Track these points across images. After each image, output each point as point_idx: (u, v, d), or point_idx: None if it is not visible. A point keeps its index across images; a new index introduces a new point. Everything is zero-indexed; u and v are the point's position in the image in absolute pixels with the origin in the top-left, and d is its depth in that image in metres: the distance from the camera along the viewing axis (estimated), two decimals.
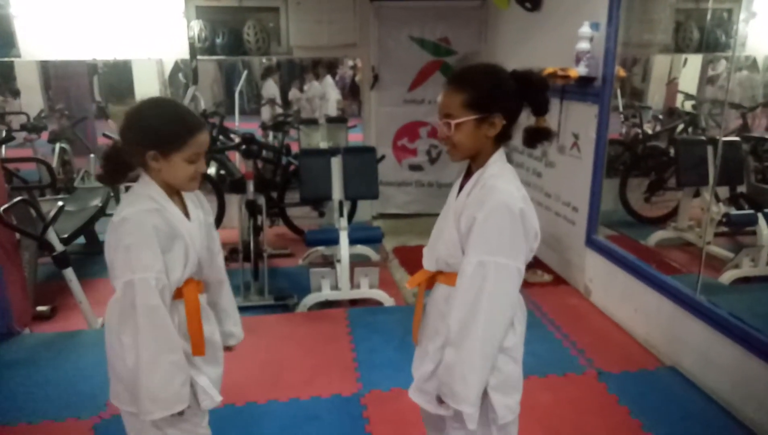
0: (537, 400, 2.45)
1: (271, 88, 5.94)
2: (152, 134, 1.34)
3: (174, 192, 1.43)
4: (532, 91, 1.36)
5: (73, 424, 2.33)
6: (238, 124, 5.05)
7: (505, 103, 1.33)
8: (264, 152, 4.35)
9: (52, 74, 5.71)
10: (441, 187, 4.98)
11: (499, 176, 1.35)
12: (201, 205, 1.53)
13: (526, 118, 1.41)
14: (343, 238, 3.33)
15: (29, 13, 4.29)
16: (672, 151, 3.78)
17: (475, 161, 1.40)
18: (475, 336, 1.30)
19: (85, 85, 5.79)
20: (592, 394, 2.51)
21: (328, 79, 6.40)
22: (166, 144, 1.34)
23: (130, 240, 1.32)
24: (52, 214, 3.12)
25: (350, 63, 7.48)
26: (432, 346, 1.46)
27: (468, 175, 1.43)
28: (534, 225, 1.35)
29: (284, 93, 6.70)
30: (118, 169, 1.40)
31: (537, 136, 1.40)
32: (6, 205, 3.00)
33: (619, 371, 2.67)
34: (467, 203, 1.36)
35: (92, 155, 5.14)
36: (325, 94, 6.28)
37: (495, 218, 1.29)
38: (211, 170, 4.72)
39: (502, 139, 1.38)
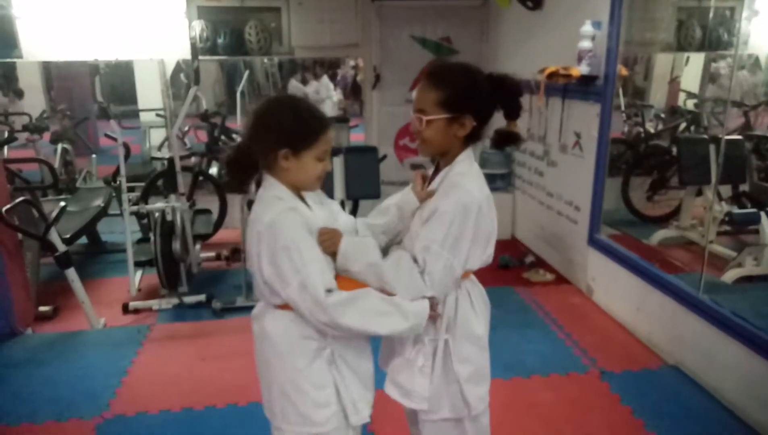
0: (539, 400, 2.45)
1: (294, 89, 5.98)
2: (285, 132, 1.29)
3: (297, 193, 1.37)
4: (505, 95, 1.40)
5: (76, 424, 2.33)
6: (239, 124, 5.06)
7: (477, 106, 1.37)
8: None
9: (54, 75, 5.73)
10: None
11: (465, 175, 1.38)
12: (322, 203, 1.46)
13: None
14: None
15: (31, 14, 4.29)
16: (674, 150, 3.77)
17: (443, 158, 1.44)
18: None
19: (87, 85, 5.81)
20: (595, 393, 2.50)
21: (325, 79, 6.41)
22: (299, 142, 1.29)
23: (284, 241, 1.25)
24: (54, 214, 3.13)
25: (351, 63, 7.50)
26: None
27: (436, 171, 1.46)
28: (487, 228, 1.38)
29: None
30: (246, 173, 1.34)
31: (506, 140, 1.44)
32: (8, 206, 3.01)
33: (622, 370, 2.66)
34: (433, 197, 1.39)
35: (94, 156, 5.15)
36: (319, 94, 6.28)
37: (454, 214, 1.32)
38: (213, 170, 4.73)
39: (472, 139, 1.41)
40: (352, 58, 5.44)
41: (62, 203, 3.19)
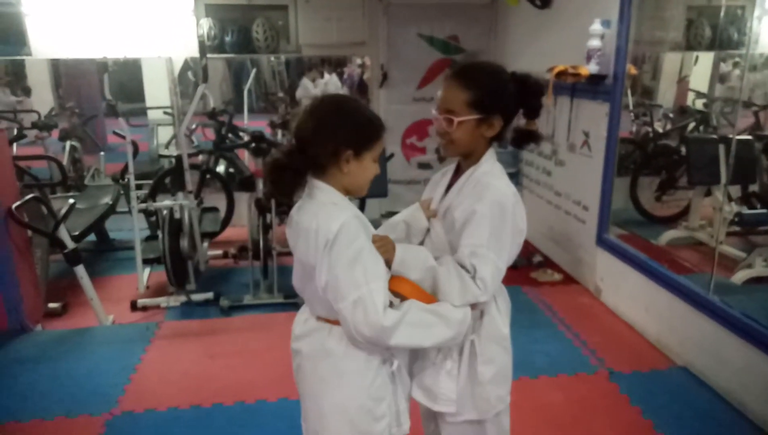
0: (548, 400, 2.45)
1: (305, 88, 5.99)
2: (351, 133, 1.24)
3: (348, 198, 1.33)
4: (528, 94, 1.39)
5: (86, 420, 2.35)
6: (247, 122, 5.07)
7: (505, 106, 1.36)
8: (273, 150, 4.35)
9: (62, 72, 5.74)
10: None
11: (492, 174, 1.38)
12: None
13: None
14: None
15: (40, 11, 4.31)
16: (683, 150, 3.74)
17: (467, 159, 1.42)
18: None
19: (95, 83, 5.81)
20: (604, 393, 2.50)
21: (333, 77, 6.40)
22: (363, 142, 1.25)
23: (352, 253, 1.21)
24: (63, 211, 3.14)
25: (358, 61, 7.48)
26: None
27: (457, 172, 1.45)
28: (521, 223, 1.39)
29: (291, 91, 6.71)
30: (297, 178, 1.26)
31: (527, 138, 1.43)
32: (18, 203, 3.03)
33: (631, 371, 2.65)
34: (459, 199, 1.38)
35: (102, 153, 5.17)
36: (327, 92, 6.29)
37: (492, 215, 1.31)
38: (221, 168, 4.73)
39: (496, 138, 1.40)
40: (359, 57, 5.41)
41: (71, 200, 3.20)
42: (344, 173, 1.26)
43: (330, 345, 1.31)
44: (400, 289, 1.30)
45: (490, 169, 1.39)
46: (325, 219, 1.22)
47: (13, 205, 3.00)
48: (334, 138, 1.23)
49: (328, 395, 1.33)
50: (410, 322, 1.23)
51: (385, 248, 1.30)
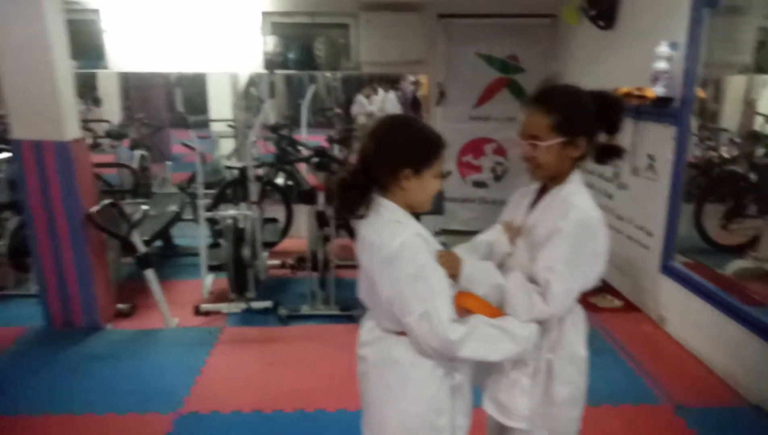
0: (610, 429, 2.39)
1: (360, 105, 6.15)
2: (408, 152, 1.30)
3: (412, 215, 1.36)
4: (609, 110, 1.40)
5: (155, 417, 2.45)
6: (305, 136, 5.21)
7: (588, 125, 1.39)
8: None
9: (131, 84, 6.06)
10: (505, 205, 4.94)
11: (578, 194, 1.39)
12: None
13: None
14: None
15: (118, 27, 4.59)
16: (752, 177, 3.60)
17: (553, 180, 1.44)
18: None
19: (162, 95, 6.13)
20: (669, 427, 2.41)
21: (390, 94, 6.51)
22: (421, 160, 1.30)
23: (414, 269, 1.26)
24: (136, 217, 3.31)
25: (411, 78, 7.58)
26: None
27: (542, 192, 1.47)
28: (602, 247, 1.39)
29: (346, 107, 6.86)
30: (362, 196, 1.33)
31: (610, 154, 1.45)
32: (96, 208, 3.21)
33: (698, 406, 2.55)
34: (544, 217, 1.40)
35: (168, 162, 5.41)
36: (383, 109, 6.39)
37: (575, 234, 1.32)
38: (279, 180, 4.87)
39: (581, 158, 1.42)
40: (417, 74, 5.50)
41: (145, 207, 3.38)
42: (405, 190, 1.32)
43: (396, 354, 1.35)
44: (466, 304, 1.33)
45: (576, 189, 1.40)
46: (388, 235, 1.28)
47: (93, 210, 3.18)
48: (393, 157, 1.30)
49: (392, 403, 1.37)
50: (477, 337, 1.27)
51: (451, 264, 1.34)
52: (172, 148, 5.79)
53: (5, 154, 4.18)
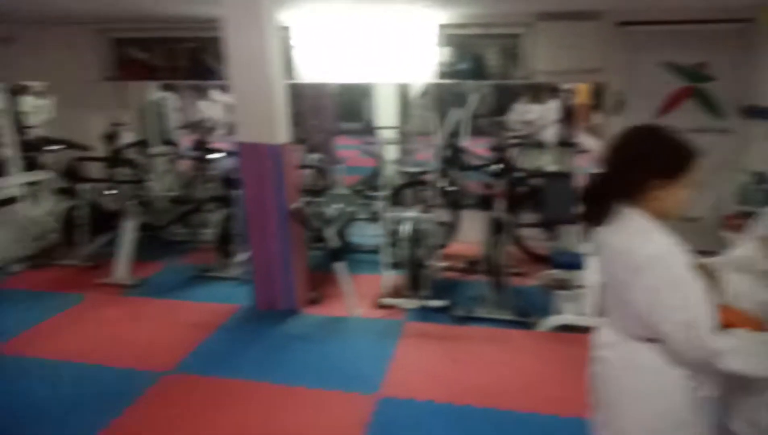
0: None
1: (521, 113, 6.20)
2: (658, 162, 1.32)
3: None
4: None
5: (358, 397, 2.70)
6: (467, 144, 5.33)
7: None
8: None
9: (306, 94, 6.64)
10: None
11: None
12: None
13: None
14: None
15: (304, 44, 5.09)
16: None
17: None
18: None
19: (332, 104, 6.66)
20: None
21: (552, 103, 6.40)
22: (671, 170, 1.32)
23: (672, 277, 1.27)
24: (330, 214, 3.66)
25: (567, 87, 7.38)
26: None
27: None
28: None
29: (500, 115, 6.87)
30: (606, 204, 1.36)
31: None
32: (297, 204, 3.60)
33: None
34: None
35: (339, 166, 5.85)
36: (544, 117, 6.30)
37: None
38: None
39: None
40: (593, 83, 5.36)
41: (339, 205, 3.71)
42: (653, 199, 1.32)
43: (641, 360, 1.36)
44: (731, 318, 1.30)
45: None
46: (640, 243, 1.29)
47: (294, 206, 3.57)
48: (640, 168, 1.32)
49: (633, 410, 1.37)
50: (746, 350, 1.25)
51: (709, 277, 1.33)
52: (338, 153, 6.24)
53: (218, 154, 4.84)
